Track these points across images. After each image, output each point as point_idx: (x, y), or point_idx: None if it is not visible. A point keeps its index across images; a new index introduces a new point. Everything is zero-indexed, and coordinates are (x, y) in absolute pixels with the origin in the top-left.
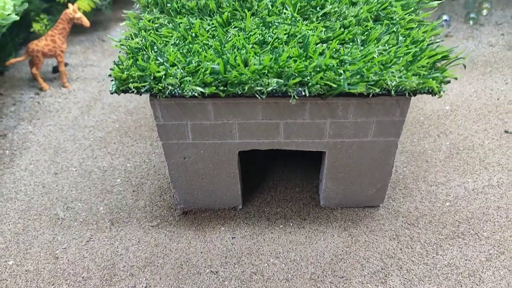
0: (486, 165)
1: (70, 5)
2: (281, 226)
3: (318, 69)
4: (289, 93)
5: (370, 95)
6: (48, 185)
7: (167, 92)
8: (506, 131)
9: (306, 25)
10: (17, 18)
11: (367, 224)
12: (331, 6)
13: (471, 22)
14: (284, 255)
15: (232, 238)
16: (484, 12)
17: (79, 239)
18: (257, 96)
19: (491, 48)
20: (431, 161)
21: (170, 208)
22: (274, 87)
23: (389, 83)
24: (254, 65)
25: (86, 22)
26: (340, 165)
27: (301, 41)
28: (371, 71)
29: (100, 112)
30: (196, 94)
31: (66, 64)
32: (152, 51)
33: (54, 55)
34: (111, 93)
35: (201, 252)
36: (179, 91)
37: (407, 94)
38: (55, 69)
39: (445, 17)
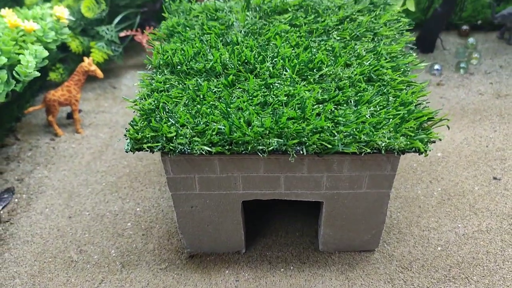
0: (476, 211)
1: (85, 58)
2: (282, 269)
3: (315, 130)
4: (288, 152)
5: (362, 154)
6: (62, 228)
7: (177, 151)
8: (494, 178)
9: (304, 85)
10: (39, 74)
11: (363, 268)
12: (327, 69)
13: (461, 71)
14: None
15: (236, 281)
16: (474, 62)
17: (91, 281)
18: (259, 154)
19: (481, 96)
20: (423, 207)
21: (178, 251)
22: (275, 147)
23: (379, 143)
24: (257, 126)
25: (100, 74)
26: (337, 213)
27: (299, 103)
28: (363, 132)
29: (112, 157)
30: (203, 152)
31: (79, 111)
32: (164, 112)
33: (69, 104)
34: (126, 152)
35: None
36: (189, 150)
37: (396, 153)
38: (69, 115)
39: (437, 66)
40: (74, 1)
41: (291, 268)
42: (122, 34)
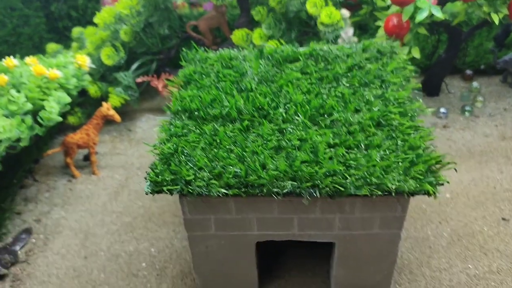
0: (486, 251)
1: (104, 103)
2: None
3: (328, 174)
4: (302, 194)
5: (374, 196)
6: (78, 268)
7: (195, 193)
8: (503, 219)
9: (316, 130)
10: (61, 119)
11: None
12: (337, 114)
13: (466, 114)
14: None
15: None
16: (479, 105)
17: None
18: (274, 196)
19: (486, 138)
20: (434, 247)
21: None
22: (289, 189)
23: (389, 185)
24: (272, 170)
25: (118, 118)
26: (349, 254)
27: (312, 147)
28: (374, 175)
29: (127, 198)
30: (220, 195)
31: (96, 153)
32: (183, 156)
33: (87, 147)
34: (146, 194)
35: None
36: (206, 192)
37: (406, 195)
38: (86, 157)
39: (442, 109)
40: (94, 49)
41: None
42: (139, 80)
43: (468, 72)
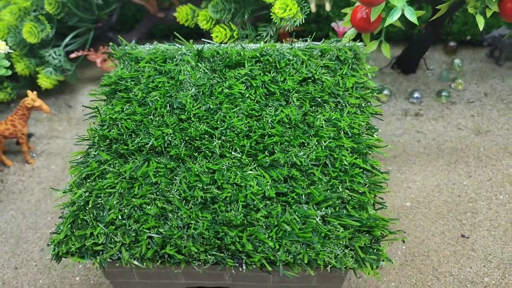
0: (439, 275)
1: (29, 92)
2: None
3: (257, 245)
4: (226, 269)
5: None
6: (8, 282)
7: (106, 261)
8: (462, 235)
9: (255, 168)
10: None
11: None
12: (279, 154)
13: (443, 99)
14: None
15: None
16: (459, 87)
17: None
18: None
19: (459, 132)
20: (385, 268)
21: None
22: (212, 262)
23: (325, 262)
24: (192, 239)
25: (46, 109)
26: None
27: (244, 201)
28: (309, 251)
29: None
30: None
31: (31, 135)
32: (93, 213)
33: (15, 137)
34: (51, 260)
35: None
36: (118, 261)
37: (342, 272)
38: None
39: (416, 94)
40: (16, 19)
41: None
42: (73, 55)
43: (452, 44)
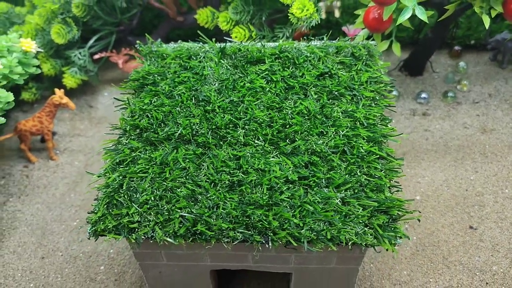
0: (449, 264)
1: (57, 90)
2: None
3: (282, 224)
4: (253, 245)
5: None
6: (35, 270)
7: (140, 240)
8: (471, 227)
9: (277, 156)
10: (4, 120)
11: None
12: (300, 141)
13: (449, 99)
14: None
15: None
16: (464, 88)
17: None
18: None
19: (466, 130)
20: (397, 257)
21: None
22: (240, 239)
23: (346, 239)
24: (221, 218)
25: (72, 106)
26: (306, 284)
27: (269, 184)
28: (331, 228)
29: (86, 189)
30: (166, 243)
31: (54, 134)
32: (127, 194)
33: (41, 134)
34: (88, 238)
35: None
36: (152, 239)
37: (363, 248)
38: (43, 139)
39: (423, 95)
40: (44, 22)
41: None
42: (97, 56)
43: (457, 48)
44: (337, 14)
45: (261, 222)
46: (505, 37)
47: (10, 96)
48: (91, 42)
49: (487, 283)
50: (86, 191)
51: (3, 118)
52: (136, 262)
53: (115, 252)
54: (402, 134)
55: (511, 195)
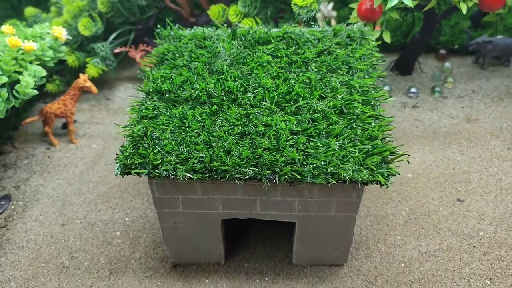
0: (439, 230)
1: (81, 74)
2: (257, 280)
3: (287, 162)
4: (262, 180)
5: (329, 184)
6: (55, 235)
7: (162, 176)
8: (458, 199)
9: (282, 115)
10: (37, 93)
11: (332, 281)
12: (303, 102)
13: (436, 94)
14: None
15: None
16: (449, 85)
17: (81, 287)
18: (236, 181)
19: (452, 120)
20: (391, 225)
21: (162, 261)
22: (251, 175)
23: (344, 175)
24: (235, 156)
25: (94, 90)
26: (308, 232)
27: (275, 133)
28: (331, 164)
29: (104, 168)
30: (186, 178)
31: (74, 122)
32: (152, 140)
33: (65, 117)
34: (116, 175)
35: None
36: (173, 175)
37: (359, 184)
38: (64, 126)
39: (413, 89)
40: (72, 17)
41: (266, 279)
42: (117, 50)
43: (442, 51)
44: (333, 23)
45: (269, 160)
46: (485, 40)
47: (43, 72)
48: (112, 37)
49: (474, 246)
50: (103, 169)
51: (36, 91)
52: (151, 228)
53: (130, 220)
54: (391, 97)
55: (494, 173)
